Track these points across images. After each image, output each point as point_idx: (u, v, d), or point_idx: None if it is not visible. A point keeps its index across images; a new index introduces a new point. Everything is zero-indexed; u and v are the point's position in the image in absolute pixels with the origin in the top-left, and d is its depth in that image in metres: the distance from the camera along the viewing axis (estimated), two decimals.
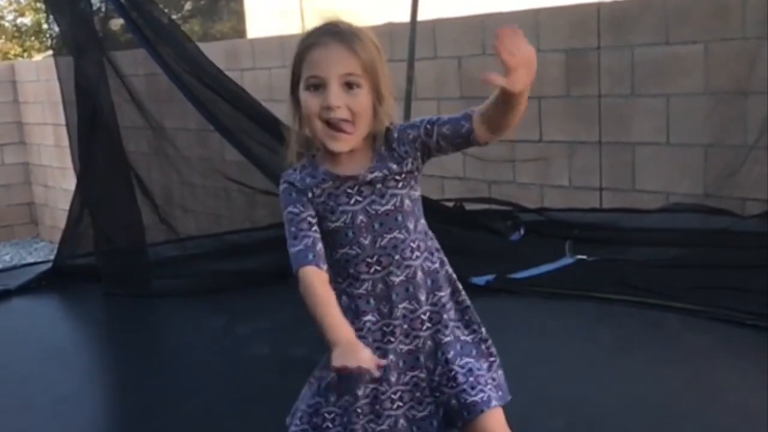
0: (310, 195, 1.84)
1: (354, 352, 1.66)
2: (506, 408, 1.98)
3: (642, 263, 4.10)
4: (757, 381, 2.79)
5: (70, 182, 4.89)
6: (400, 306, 1.85)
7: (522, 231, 4.84)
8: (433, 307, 1.88)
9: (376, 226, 1.83)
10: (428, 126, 1.83)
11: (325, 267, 1.81)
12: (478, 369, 1.90)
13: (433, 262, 1.89)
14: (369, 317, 1.85)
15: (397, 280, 1.84)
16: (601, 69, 5.25)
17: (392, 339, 1.86)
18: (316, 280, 1.78)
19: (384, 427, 1.90)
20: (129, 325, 4.06)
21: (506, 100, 1.72)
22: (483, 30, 5.81)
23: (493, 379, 1.93)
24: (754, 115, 4.62)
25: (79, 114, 4.45)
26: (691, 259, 4.11)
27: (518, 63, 1.66)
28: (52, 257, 4.96)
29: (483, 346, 1.95)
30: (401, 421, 1.90)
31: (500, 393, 1.93)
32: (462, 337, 1.92)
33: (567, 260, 4.27)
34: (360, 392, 1.87)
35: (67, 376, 3.34)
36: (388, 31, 5.81)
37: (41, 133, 10.34)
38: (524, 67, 1.67)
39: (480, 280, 3.98)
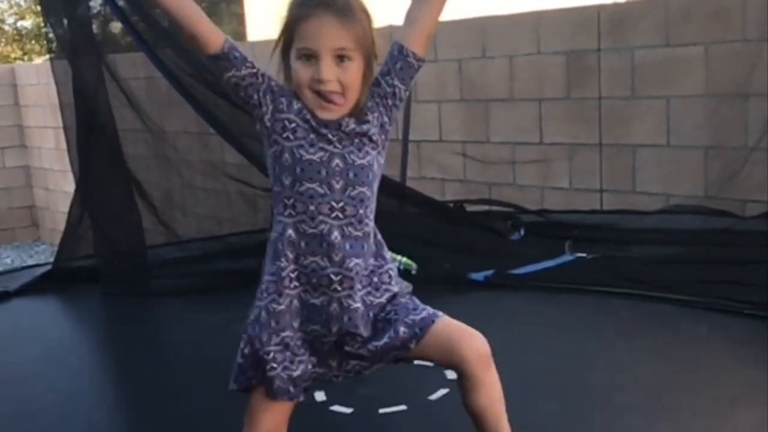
0: (285, 99, 1.88)
1: None
2: (505, 392, 2.00)
3: (641, 260, 4.11)
4: (753, 367, 2.82)
5: (70, 185, 4.88)
6: (354, 260, 1.87)
7: (522, 232, 4.84)
8: (366, 270, 1.91)
9: (351, 175, 1.87)
10: (374, 80, 1.91)
11: (215, 30, 1.85)
12: (413, 303, 1.97)
13: (377, 233, 1.95)
14: (316, 259, 1.87)
15: (354, 233, 1.87)
16: (602, 71, 5.25)
17: (338, 288, 1.88)
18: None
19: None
20: (128, 326, 4.05)
21: None
22: (483, 33, 5.82)
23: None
24: (754, 117, 4.62)
25: (77, 117, 4.46)
26: (691, 256, 4.12)
27: None
28: (52, 260, 4.96)
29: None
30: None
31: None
32: (395, 289, 1.97)
33: (566, 257, 4.28)
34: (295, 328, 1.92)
35: (66, 377, 3.34)
36: (389, 33, 5.81)
37: (42, 136, 10.34)
38: None
39: (478, 276, 3.99)
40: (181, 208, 4.98)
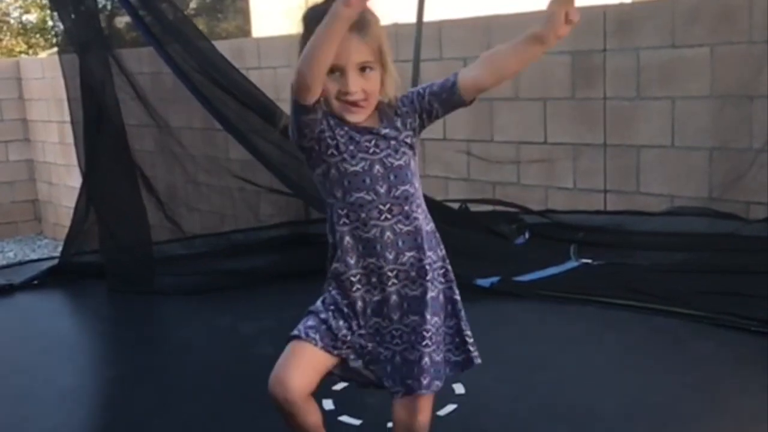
0: (329, 119, 1.99)
1: None
2: (509, 413, 1.98)
3: (646, 268, 4.09)
4: (762, 387, 2.79)
5: (74, 179, 4.89)
6: (407, 254, 2.01)
7: (527, 234, 4.83)
8: (431, 261, 2.03)
9: (392, 177, 2.01)
10: (421, 90, 2.04)
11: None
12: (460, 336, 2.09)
13: (429, 222, 2.07)
14: (373, 260, 2.01)
15: (405, 229, 2.01)
16: (607, 71, 5.25)
17: (396, 282, 2.02)
18: None
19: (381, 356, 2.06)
20: (133, 323, 4.06)
21: (539, 41, 1.93)
22: (488, 32, 5.81)
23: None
24: (759, 119, 4.61)
25: (84, 112, 4.46)
26: (696, 263, 4.10)
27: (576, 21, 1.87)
28: (55, 254, 4.97)
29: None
30: (397, 357, 2.04)
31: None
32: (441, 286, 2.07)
33: (572, 264, 4.27)
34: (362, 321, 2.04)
35: (69, 372, 3.35)
36: (394, 31, 5.81)
37: (46, 131, 10.34)
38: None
39: (485, 282, 3.98)
40: (185, 203, 4.98)
